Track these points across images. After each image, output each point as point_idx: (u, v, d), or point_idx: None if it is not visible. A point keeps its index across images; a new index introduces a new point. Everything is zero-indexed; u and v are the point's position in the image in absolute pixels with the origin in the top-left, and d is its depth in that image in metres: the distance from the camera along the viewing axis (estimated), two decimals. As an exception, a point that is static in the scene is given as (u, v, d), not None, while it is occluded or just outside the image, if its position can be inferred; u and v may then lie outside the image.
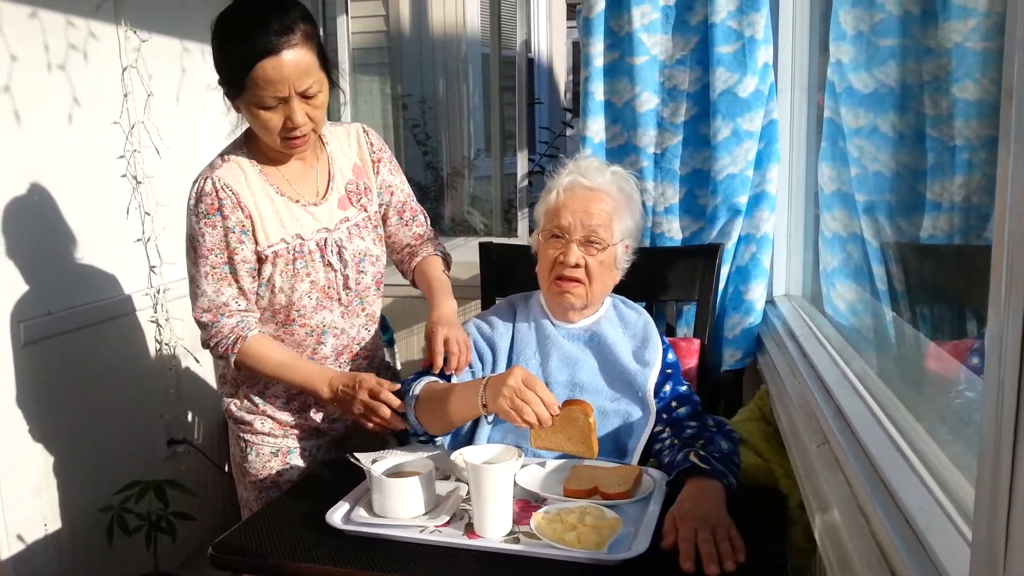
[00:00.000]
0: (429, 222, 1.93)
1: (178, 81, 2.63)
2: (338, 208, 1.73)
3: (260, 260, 1.65)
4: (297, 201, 1.69)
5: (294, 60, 1.50)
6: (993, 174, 1.33)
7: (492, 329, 1.68)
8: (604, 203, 1.60)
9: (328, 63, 1.60)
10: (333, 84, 1.62)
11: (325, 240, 1.69)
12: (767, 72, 1.92)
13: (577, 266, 1.58)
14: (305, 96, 1.54)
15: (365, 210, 1.77)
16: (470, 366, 1.63)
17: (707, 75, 1.94)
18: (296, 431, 1.79)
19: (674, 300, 1.99)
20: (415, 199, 1.90)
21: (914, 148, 1.53)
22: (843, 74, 1.63)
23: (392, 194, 1.83)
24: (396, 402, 1.57)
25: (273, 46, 1.48)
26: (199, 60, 2.72)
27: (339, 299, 1.74)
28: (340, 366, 1.80)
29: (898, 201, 1.59)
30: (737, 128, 1.90)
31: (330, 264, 1.70)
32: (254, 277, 1.66)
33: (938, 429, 1.05)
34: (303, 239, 1.67)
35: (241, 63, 1.49)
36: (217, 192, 1.60)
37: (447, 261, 1.90)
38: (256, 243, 1.64)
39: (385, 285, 3.09)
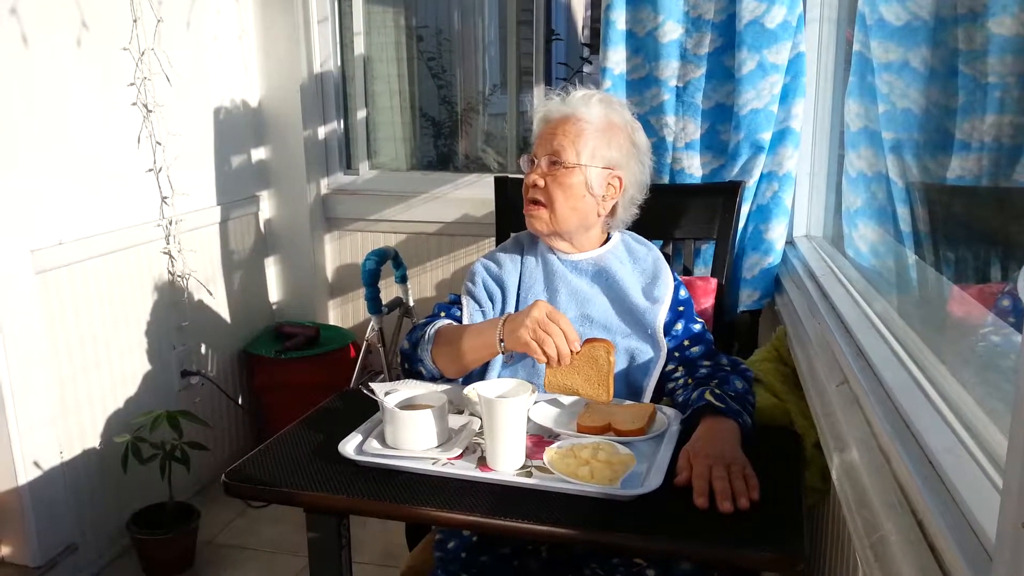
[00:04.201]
0: None
1: (188, 7, 2.57)
2: None
3: None
4: None
5: None
6: (1028, 112, 1.27)
7: (500, 268, 1.64)
8: (573, 124, 1.54)
9: None
10: None
11: None
12: (796, 2, 1.84)
13: (535, 186, 1.55)
14: None
15: None
16: (479, 304, 1.61)
17: (733, 5, 1.87)
18: None
19: (692, 239, 1.95)
20: None
21: (945, 85, 1.47)
22: (875, 5, 1.57)
23: None
24: None
25: None
26: (209, -15, 2.66)
27: None
28: None
29: (926, 140, 1.54)
30: (763, 60, 1.84)
31: None
32: None
33: (961, 371, 1.03)
34: None
35: None
36: None
37: None
38: None
39: (397, 221, 3.06)
